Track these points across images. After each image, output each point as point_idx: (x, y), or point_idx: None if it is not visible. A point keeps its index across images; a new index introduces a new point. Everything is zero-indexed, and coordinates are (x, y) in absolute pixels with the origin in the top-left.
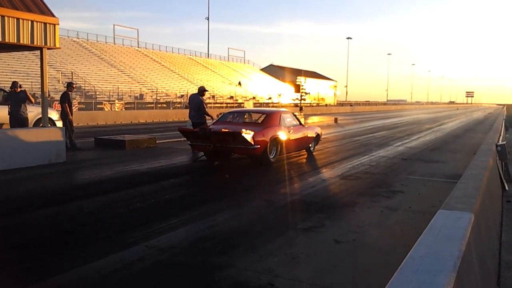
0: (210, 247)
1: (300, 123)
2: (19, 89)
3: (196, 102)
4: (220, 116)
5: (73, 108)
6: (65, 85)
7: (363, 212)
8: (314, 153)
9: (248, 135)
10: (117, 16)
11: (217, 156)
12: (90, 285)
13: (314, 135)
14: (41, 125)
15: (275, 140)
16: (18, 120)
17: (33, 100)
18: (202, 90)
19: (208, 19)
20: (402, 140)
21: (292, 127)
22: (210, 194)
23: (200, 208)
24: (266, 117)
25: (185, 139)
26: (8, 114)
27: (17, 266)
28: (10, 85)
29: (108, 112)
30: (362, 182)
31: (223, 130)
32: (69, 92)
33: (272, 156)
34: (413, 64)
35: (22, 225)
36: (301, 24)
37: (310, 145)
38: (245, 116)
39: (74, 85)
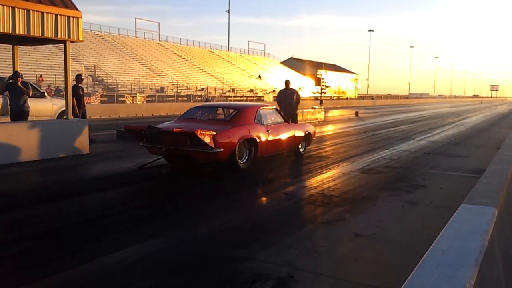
0: (230, 240)
1: (285, 120)
2: (20, 80)
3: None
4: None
5: (84, 101)
6: (74, 78)
7: (383, 206)
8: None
9: (205, 136)
10: (137, 9)
11: (180, 161)
12: (113, 275)
13: (304, 134)
14: (64, 117)
15: (248, 142)
16: (17, 113)
17: (30, 92)
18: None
19: (228, 12)
20: (424, 134)
21: (272, 125)
22: (233, 184)
23: (222, 198)
24: (237, 114)
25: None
26: (8, 106)
27: (40, 254)
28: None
29: (129, 105)
30: (383, 176)
31: (175, 129)
32: (79, 85)
33: (243, 161)
34: (436, 57)
35: (46, 215)
36: (322, 16)
37: (300, 145)
38: (218, 112)
39: (82, 78)
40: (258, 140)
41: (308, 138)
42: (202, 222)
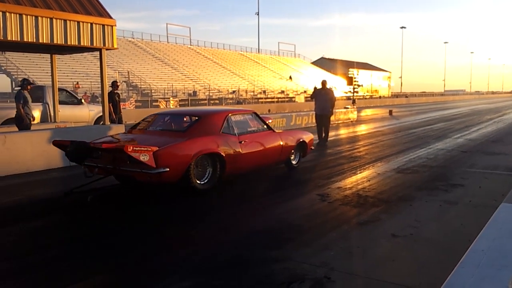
0: (265, 241)
1: (269, 128)
2: (29, 88)
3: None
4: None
5: (120, 106)
6: (110, 84)
7: (420, 206)
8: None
9: (142, 153)
10: (167, 14)
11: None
12: (159, 272)
13: (295, 144)
14: (101, 122)
15: (210, 157)
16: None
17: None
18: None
19: (258, 14)
20: (461, 132)
21: (248, 135)
22: (265, 186)
23: (256, 200)
24: (196, 122)
25: None
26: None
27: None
28: (69, 85)
29: (163, 109)
30: (419, 176)
31: (104, 144)
32: (115, 91)
33: (203, 181)
34: (471, 52)
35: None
36: (352, 15)
37: (292, 157)
38: (185, 119)
39: (118, 84)
40: (224, 155)
41: (302, 147)
42: (236, 223)
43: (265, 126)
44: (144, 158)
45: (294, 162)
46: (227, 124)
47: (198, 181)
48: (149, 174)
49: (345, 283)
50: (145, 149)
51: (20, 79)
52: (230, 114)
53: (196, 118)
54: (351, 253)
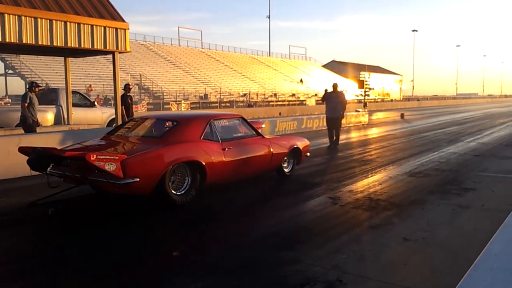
0: (277, 243)
1: (258, 134)
2: (37, 90)
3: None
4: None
5: (133, 109)
6: (123, 87)
7: (433, 210)
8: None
9: (107, 162)
10: (178, 18)
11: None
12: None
13: (287, 150)
14: (114, 125)
15: (189, 166)
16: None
17: (25, 104)
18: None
19: (269, 17)
20: (473, 135)
21: (233, 142)
22: (277, 189)
23: (267, 202)
24: (174, 128)
25: None
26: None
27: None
28: (83, 88)
29: (174, 112)
30: (432, 180)
31: (66, 152)
32: (127, 94)
33: (180, 192)
34: (484, 56)
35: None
36: (363, 18)
37: (285, 164)
38: (167, 124)
39: (130, 87)
40: (204, 163)
41: (296, 154)
42: (248, 226)
43: (253, 132)
44: (110, 167)
45: (286, 170)
46: (210, 130)
47: (174, 192)
48: (116, 185)
49: (356, 286)
50: (111, 157)
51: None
52: (213, 119)
53: (175, 123)
54: (363, 256)
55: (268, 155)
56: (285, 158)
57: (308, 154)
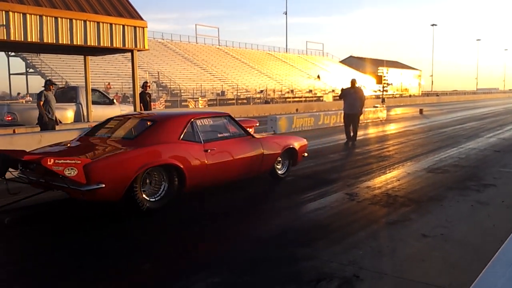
0: (294, 239)
1: (248, 133)
2: (52, 88)
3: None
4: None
5: (151, 106)
6: (141, 84)
7: (451, 207)
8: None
9: (67, 166)
10: (196, 16)
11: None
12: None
13: (280, 151)
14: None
15: (164, 169)
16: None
17: (40, 103)
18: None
19: (286, 13)
20: (493, 131)
21: (217, 142)
22: (294, 186)
23: (284, 199)
24: (149, 129)
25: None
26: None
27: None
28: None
29: (192, 109)
30: (450, 176)
31: (25, 156)
32: (146, 92)
33: (155, 199)
34: (505, 49)
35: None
36: (382, 12)
37: (278, 166)
38: (148, 123)
39: (148, 84)
40: (182, 166)
41: (291, 155)
42: (265, 221)
43: (242, 132)
44: (71, 172)
45: (280, 172)
46: (191, 130)
47: (148, 198)
48: (80, 191)
49: (373, 282)
50: (73, 161)
51: (54, 80)
52: (194, 118)
53: (151, 123)
54: (380, 252)
55: (259, 156)
56: (279, 159)
57: (306, 154)
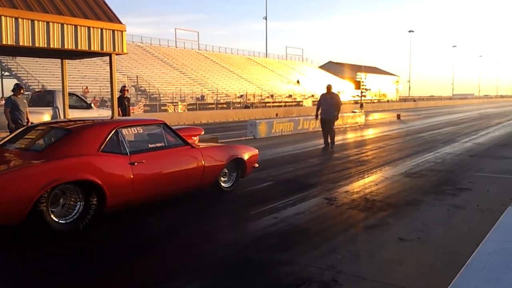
0: (272, 244)
1: (186, 143)
2: (22, 92)
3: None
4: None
5: (130, 111)
6: (119, 89)
7: (428, 211)
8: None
9: None
10: (175, 19)
11: None
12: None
13: (225, 162)
14: None
15: (77, 187)
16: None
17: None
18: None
19: (266, 18)
20: (469, 136)
21: (147, 154)
22: (273, 190)
23: (263, 204)
24: (62, 139)
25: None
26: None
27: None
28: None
29: (171, 113)
30: (427, 180)
31: None
32: (125, 96)
33: (66, 220)
34: (480, 56)
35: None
36: (360, 18)
37: (224, 178)
38: (62, 132)
39: (126, 88)
40: (101, 182)
41: (239, 166)
42: (245, 226)
43: (179, 141)
44: None
45: (225, 185)
46: (115, 140)
47: (57, 220)
48: None
49: (352, 286)
50: None
51: (30, 84)
52: (119, 127)
53: (65, 132)
54: (358, 256)
55: (198, 168)
56: (225, 170)
57: (256, 165)
